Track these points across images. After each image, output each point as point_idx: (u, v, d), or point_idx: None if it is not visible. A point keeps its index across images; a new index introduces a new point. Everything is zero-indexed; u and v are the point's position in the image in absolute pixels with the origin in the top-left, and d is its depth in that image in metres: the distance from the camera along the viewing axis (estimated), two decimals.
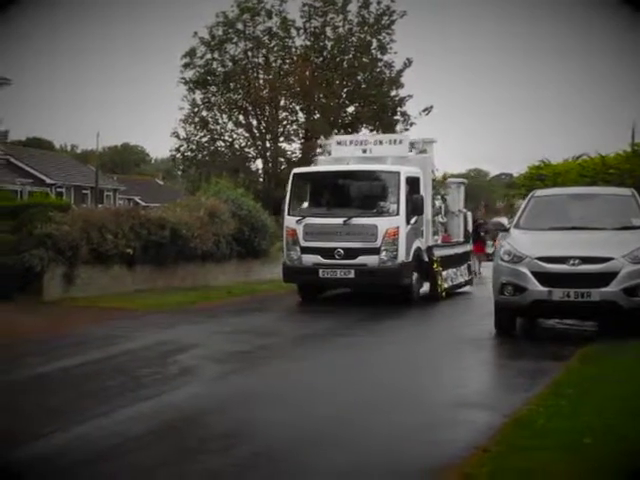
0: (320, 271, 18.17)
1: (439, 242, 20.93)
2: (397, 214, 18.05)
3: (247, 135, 35.47)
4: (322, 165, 20.81)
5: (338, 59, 34.26)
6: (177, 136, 35.46)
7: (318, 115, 34.37)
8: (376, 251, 17.85)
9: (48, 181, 50.50)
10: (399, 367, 11.09)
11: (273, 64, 34.39)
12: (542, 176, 20.60)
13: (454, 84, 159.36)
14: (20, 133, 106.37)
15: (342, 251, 17.91)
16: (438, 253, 19.81)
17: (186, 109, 35.04)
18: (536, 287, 12.56)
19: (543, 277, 12.54)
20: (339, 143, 20.87)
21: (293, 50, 34.24)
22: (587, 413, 7.73)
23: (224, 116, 35.37)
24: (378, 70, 34.60)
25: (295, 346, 13.24)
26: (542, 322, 14.72)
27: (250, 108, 34.78)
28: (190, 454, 6.74)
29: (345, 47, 34.25)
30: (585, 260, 12.44)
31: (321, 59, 34.35)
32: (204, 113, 35.16)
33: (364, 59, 34.19)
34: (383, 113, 34.48)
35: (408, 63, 34.46)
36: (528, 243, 13.17)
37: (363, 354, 12.15)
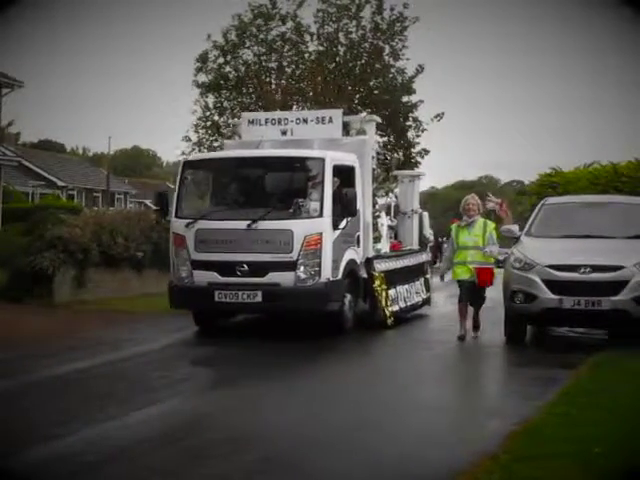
0: (216, 293, 13.42)
1: (385, 251, 16.59)
2: (320, 215, 13.44)
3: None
4: (227, 151, 16.37)
5: (351, 65, 34.23)
6: (189, 140, 35.48)
7: None
8: (292, 266, 13.24)
9: (59, 184, 50.69)
10: None
11: (286, 69, 34.42)
12: (553, 184, 20.56)
13: (466, 91, 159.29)
14: (32, 136, 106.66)
15: (246, 266, 13.30)
16: (382, 266, 15.40)
17: (198, 113, 35.10)
18: (547, 295, 12.54)
19: (554, 285, 12.52)
20: (251, 122, 15.98)
21: (306, 55, 34.26)
22: (597, 422, 7.70)
23: (236, 120, 35.36)
24: (390, 76, 34.58)
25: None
26: (552, 330, 14.68)
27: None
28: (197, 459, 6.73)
29: (358, 53, 34.25)
30: (596, 268, 12.42)
31: (334, 65, 34.34)
32: (216, 117, 35.22)
33: (377, 65, 34.17)
34: (395, 119, 34.44)
35: (420, 69, 34.41)
36: (539, 251, 13.15)
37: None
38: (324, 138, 15.07)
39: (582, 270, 12.44)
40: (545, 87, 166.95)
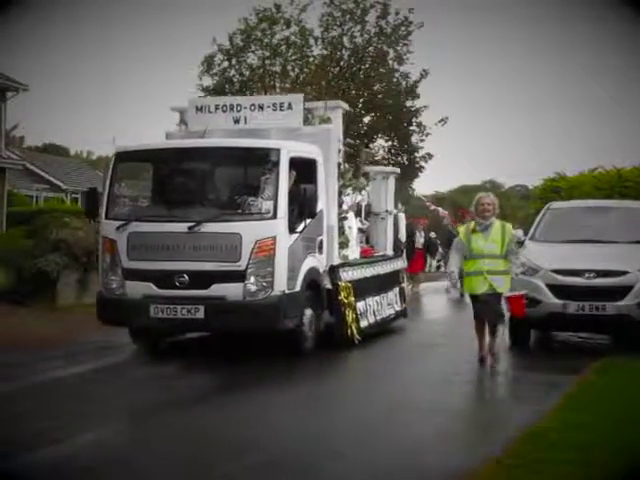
0: (152, 307, 11.62)
1: (355, 258, 14.64)
2: (274, 216, 11.56)
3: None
4: (170, 141, 13.84)
5: (355, 69, 34.26)
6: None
7: None
8: (240, 276, 11.41)
9: (63, 187, 50.68)
10: None
11: (290, 73, 34.45)
12: (558, 189, 20.56)
13: (470, 95, 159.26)
14: (36, 139, 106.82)
15: (187, 276, 11.53)
16: (349, 275, 13.52)
17: None
18: (551, 300, 12.54)
19: (558, 290, 12.52)
20: (199, 109, 13.83)
21: (310, 59, 34.29)
22: (601, 426, 7.69)
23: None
24: (394, 80, 34.61)
25: None
26: (557, 335, 14.66)
27: None
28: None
29: (362, 57, 34.28)
30: (600, 273, 12.42)
31: (338, 69, 34.37)
32: None
33: (381, 69, 34.19)
34: (399, 123, 34.46)
35: (425, 74, 34.44)
36: (543, 255, 13.15)
37: None
38: (283, 127, 13.11)
39: (586, 275, 12.44)
40: (550, 92, 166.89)
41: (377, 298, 14.86)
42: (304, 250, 12.18)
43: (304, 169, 12.34)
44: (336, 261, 13.28)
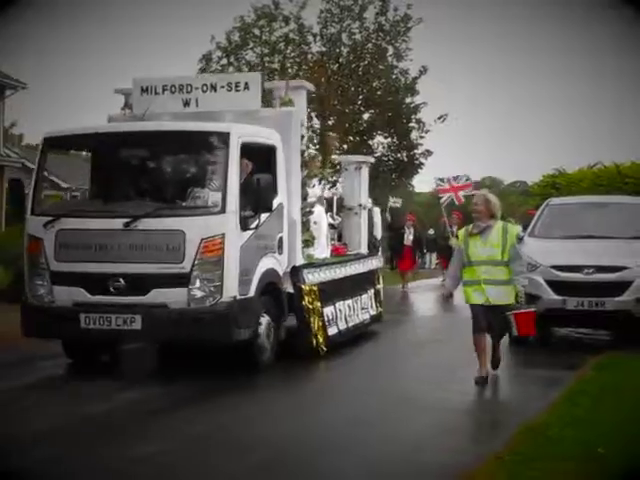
0: (83, 317, 10.14)
1: (325, 257, 13.44)
2: (222, 211, 10.07)
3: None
4: (104, 125, 12.08)
5: (354, 65, 34.27)
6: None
7: (333, 121, 34.39)
8: (183, 280, 9.97)
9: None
10: None
11: (289, 70, 34.44)
12: (557, 185, 20.57)
13: (469, 92, 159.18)
14: (35, 137, 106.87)
15: (123, 280, 10.07)
16: (315, 278, 12.16)
17: None
18: (550, 296, 12.55)
19: (557, 286, 12.54)
20: (145, 90, 12.12)
21: (309, 56, 34.29)
22: (601, 422, 7.71)
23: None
24: (394, 77, 34.61)
25: None
26: (556, 331, 14.67)
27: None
28: None
29: (361, 54, 34.27)
30: (599, 269, 12.43)
31: (337, 66, 34.37)
32: None
33: (380, 66, 34.20)
34: (398, 120, 34.47)
35: (424, 70, 34.45)
36: (542, 251, 13.15)
37: None
38: (238, 110, 11.57)
39: (586, 271, 12.46)
40: (549, 87, 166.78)
41: (349, 302, 13.44)
42: (260, 249, 10.71)
43: (261, 157, 11.05)
44: (299, 261, 11.88)
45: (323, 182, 14.14)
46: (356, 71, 34.28)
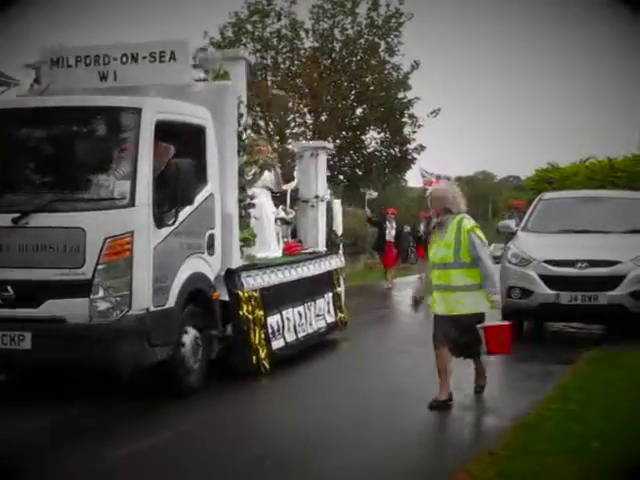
0: None
1: (275, 256, 12.00)
2: (131, 203, 8.28)
3: (254, 136, 35.46)
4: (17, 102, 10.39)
5: (346, 61, 34.24)
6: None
7: (326, 117, 34.38)
8: (84, 288, 8.16)
9: None
10: None
11: (282, 66, 34.40)
12: (550, 179, 20.56)
13: (462, 86, 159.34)
14: None
15: (11, 289, 8.29)
16: (256, 282, 10.43)
17: None
18: (543, 290, 12.55)
19: (551, 280, 12.53)
20: (55, 63, 10.20)
21: (301, 52, 34.25)
22: (595, 417, 7.71)
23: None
24: (386, 72, 34.60)
25: None
26: (550, 325, 14.68)
27: (258, 109, 34.81)
28: None
29: (354, 49, 34.25)
30: (593, 263, 12.43)
31: (329, 61, 34.34)
32: None
33: (372, 61, 34.17)
34: (391, 115, 34.45)
35: (416, 65, 34.44)
36: (536, 246, 13.16)
37: None
38: (164, 84, 9.71)
39: (579, 265, 12.46)
40: (540, 82, 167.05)
41: (300, 309, 11.78)
42: (182, 250, 8.96)
43: (186, 139, 9.24)
44: (236, 263, 10.14)
45: (273, 171, 12.33)
46: (349, 66, 34.25)
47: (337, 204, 14.89)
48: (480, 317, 8.57)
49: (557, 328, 14.62)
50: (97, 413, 8.32)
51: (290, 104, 34.89)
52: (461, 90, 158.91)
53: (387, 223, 24.79)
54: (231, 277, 10.00)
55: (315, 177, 13.73)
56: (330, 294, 13.19)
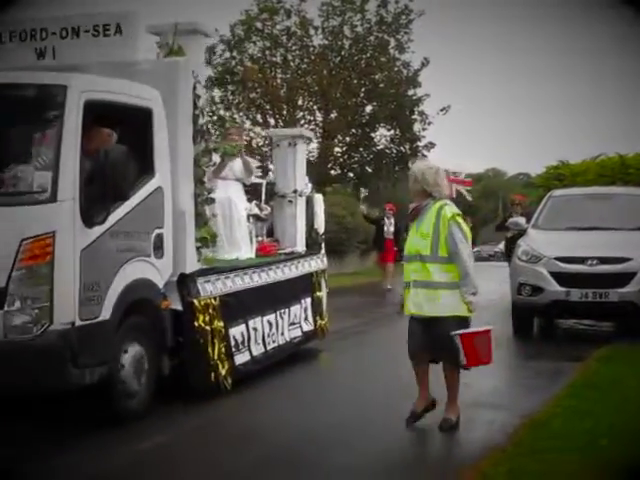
0: None
1: (246, 257, 10.70)
2: (52, 198, 6.99)
3: (264, 134, 35.51)
4: None
5: (356, 58, 34.24)
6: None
7: (336, 114, 34.39)
8: None
9: None
10: None
11: (291, 63, 34.42)
12: (560, 176, 20.50)
13: (472, 83, 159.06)
14: None
15: None
16: (215, 288, 9.04)
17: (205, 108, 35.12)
18: (554, 287, 12.53)
19: (561, 277, 12.51)
20: None
21: (311, 49, 34.26)
22: (605, 414, 7.69)
23: (242, 115, 35.47)
24: (396, 69, 34.59)
25: None
26: (560, 322, 14.66)
27: (268, 107, 34.82)
28: None
29: (363, 46, 34.24)
30: (603, 260, 12.40)
31: (339, 58, 34.35)
32: (222, 112, 35.24)
33: (382, 58, 34.16)
34: (400, 113, 34.44)
35: (426, 62, 34.42)
36: (546, 243, 13.14)
37: None
38: (108, 61, 8.35)
39: (589, 262, 12.43)
40: (553, 79, 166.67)
41: (271, 317, 10.43)
42: (120, 253, 7.64)
43: (130, 123, 7.99)
44: (192, 267, 8.73)
45: (241, 160, 10.92)
46: (358, 64, 34.26)
47: (319, 199, 13.34)
48: (462, 321, 7.32)
49: (567, 325, 14.59)
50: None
51: (300, 101, 34.94)
52: (471, 87, 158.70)
53: (385, 220, 23.40)
54: (185, 283, 8.62)
55: (293, 169, 12.31)
56: (308, 299, 11.83)
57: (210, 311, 8.79)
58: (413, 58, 34.65)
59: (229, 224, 10.66)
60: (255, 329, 9.88)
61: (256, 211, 11.79)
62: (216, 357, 8.73)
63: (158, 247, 8.11)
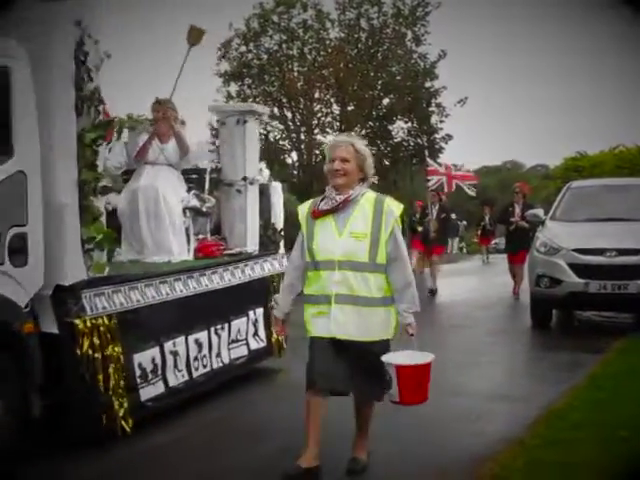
0: None
1: (181, 259, 8.78)
2: None
3: (282, 127, 35.54)
4: None
5: (372, 51, 34.20)
6: (212, 128, 35.63)
7: (352, 107, 34.37)
8: None
9: None
10: None
11: (308, 56, 34.42)
12: (579, 168, 20.47)
13: (489, 75, 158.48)
14: None
15: None
16: (108, 304, 6.83)
17: (221, 101, 35.21)
18: (572, 279, 12.48)
19: (579, 269, 12.46)
20: None
21: (327, 42, 34.24)
22: (624, 406, 7.68)
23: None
24: (413, 62, 34.53)
25: None
26: (578, 314, 14.62)
27: (285, 100, 34.86)
28: None
29: (379, 39, 34.19)
30: (622, 252, 12.34)
31: (356, 51, 34.31)
32: None
33: (399, 51, 34.11)
34: (418, 105, 34.39)
35: (443, 54, 34.34)
36: (564, 235, 13.10)
37: None
38: None
39: (608, 254, 12.37)
40: (571, 71, 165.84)
41: (201, 335, 8.18)
42: None
43: None
44: (75, 276, 6.60)
45: (173, 140, 9.15)
46: (375, 56, 34.23)
47: (277, 188, 11.06)
48: (386, 346, 5.76)
49: (586, 317, 14.55)
50: None
51: (317, 94, 34.93)
52: (488, 78, 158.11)
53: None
54: (61, 298, 6.48)
55: (243, 152, 9.99)
56: (260, 309, 9.49)
57: (101, 333, 6.66)
58: (430, 50, 34.57)
59: (153, 220, 8.74)
60: (174, 353, 7.70)
61: (194, 203, 9.28)
62: (110, 392, 6.66)
63: (17, 251, 6.02)
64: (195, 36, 9.80)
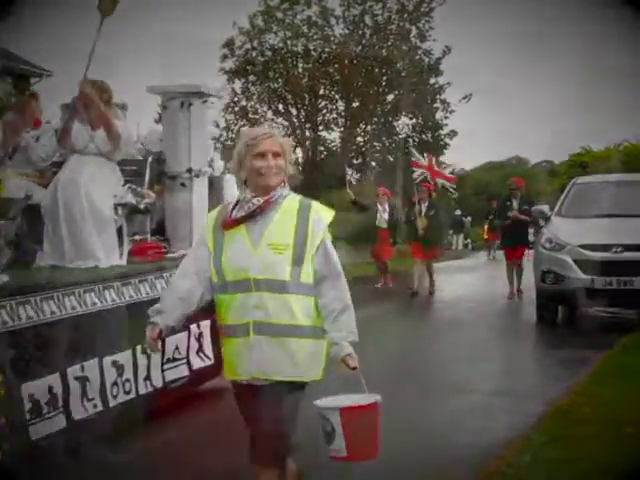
0: None
1: (112, 264, 7.24)
2: None
3: (286, 124, 35.55)
4: None
5: (377, 47, 34.19)
6: (217, 125, 35.68)
7: (357, 103, 34.37)
8: None
9: None
10: None
11: (312, 53, 34.42)
12: (583, 163, 20.45)
13: (494, 71, 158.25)
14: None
15: None
16: None
17: (226, 99, 35.27)
18: (578, 275, 12.46)
19: (585, 265, 12.44)
20: None
21: (332, 39, 34.23)
22: (629, 402, 7.65)
23: (264, 105, 35.55)
24: (417, 58, 34.52)
25: None
26: (584, 310, 14.59)
27: (289, 97, 34.86)
28: None
29: (384, 35, 34.18)
30: (627, 248, 12.32)
31: (360, 47, 34.30)
32: (243, 103, 35.30)
33: (403, 47, 34.10)
34: (422, 101, 34.38)
35: (447, 50, 34.32)
36: (569, 231, 13.08)
37: None
38: None
39: (613, 250, 12.35)
40: (575, 67, 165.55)
41: (121, 357, 6.60)
42: None
43: None
44: None
45: (102, 126, 7.42)
46: (379, 52, 34.22)
47: (229, 181, 9.58)
48: (300, 393, 4.31)
49: (592, 313, 14.52)
50: None
51: (321, 91, 34.94)
52: (493, 74, 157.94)
53: (378, 206, 19.20)
54: None
55: (187, 140, 8.72)
56: (205, 322, 7.77)
57: None
58: (434, 46, 34.57)
59: (73, 219, 7.28)
60: (83, 379, 6.17)
61: (129, 199, 7.84)
62: None
63: None
64: (107, 5, 7.52)
